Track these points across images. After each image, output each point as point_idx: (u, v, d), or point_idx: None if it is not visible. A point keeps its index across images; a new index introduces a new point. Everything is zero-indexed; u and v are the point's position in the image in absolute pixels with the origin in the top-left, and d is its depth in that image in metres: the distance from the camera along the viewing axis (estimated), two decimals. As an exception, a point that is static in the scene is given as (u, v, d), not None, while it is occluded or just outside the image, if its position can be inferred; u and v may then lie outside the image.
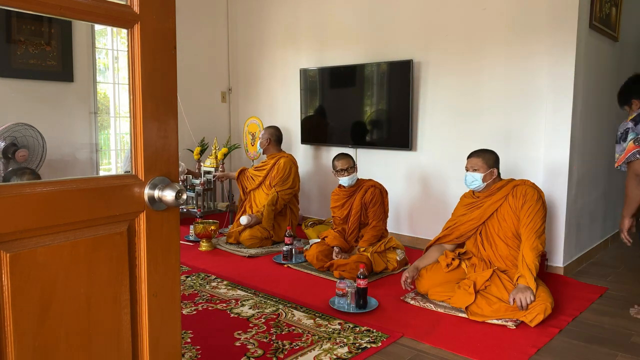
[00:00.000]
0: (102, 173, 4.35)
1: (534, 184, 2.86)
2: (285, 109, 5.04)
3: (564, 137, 3.35)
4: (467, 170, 2.92)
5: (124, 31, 1.02)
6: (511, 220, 2.79)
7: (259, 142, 4.35)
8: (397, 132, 4.13)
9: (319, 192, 4.87)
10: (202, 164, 4.92)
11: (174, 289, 1.14)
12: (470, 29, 3.73)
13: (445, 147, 3.95)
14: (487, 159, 2.87)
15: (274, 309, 2.73)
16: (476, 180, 2.87)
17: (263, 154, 4.39)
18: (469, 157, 2.95)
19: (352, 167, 3.48)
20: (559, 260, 3.45)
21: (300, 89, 4.75)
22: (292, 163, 4.23)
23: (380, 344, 2.32)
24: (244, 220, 4.00)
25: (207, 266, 3.51)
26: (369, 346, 2.29)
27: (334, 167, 3.50)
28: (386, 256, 3.39)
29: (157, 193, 1.06)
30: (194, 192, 4.78)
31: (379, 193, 3.50)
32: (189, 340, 2.35)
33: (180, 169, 4.52)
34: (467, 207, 2.98)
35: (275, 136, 4.32)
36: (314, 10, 4.68)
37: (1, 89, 3.74)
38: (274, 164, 4.22)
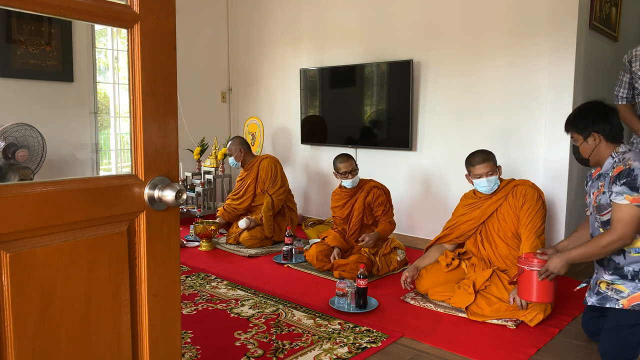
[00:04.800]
0: (102, 173, 4.35)
1: (534, 184, 2.86)
2: (285, 109, 5.04)
3: (564, 137, 3.34)
4: (480, 177, 2.80)
5: (124, 31, 1.02)
6: (511, 220, 2.79)
7: (232, 157, 4.18)
8: (397, 132, 4.13)
9: (318, 192, 4.87)
10: (202, 163, 4.92)
11: (174, 289, 1.14)
12: (470, 29, 3.73)
13: (445, 147, 3.95)
14: (493, 159, 2.85)
15: (274, 309, 2.73)
16: (495, 183, 2.83)
17: (241, 166, 4.24)
18: (476, 163, 2.81)
19: (355, 169, 3.47)
20: (559, 260, 3.45)
21: (300, 89, 4.75)
22: (276, 162, 4.18)
23: (380, 344, 2.32)
24: (242, 224, 3.98)
25: (207, 266, 3.51)
26: (369, 346, 2.29)
27: (337, 169, 3.48)
28: (390, 257, 3.39)
29: (157, 193, 1.06)
30: (194, 192, 4.78)
31: (383, 193, 3.49)
32: (189, 340, 2.35)
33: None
34: (468, 207, 2.98)
35: (245, 144, 4.24)
36: (314, 10, 4.68)
37: (1, 89, 3.74)
38: (257, 167, 4.15)
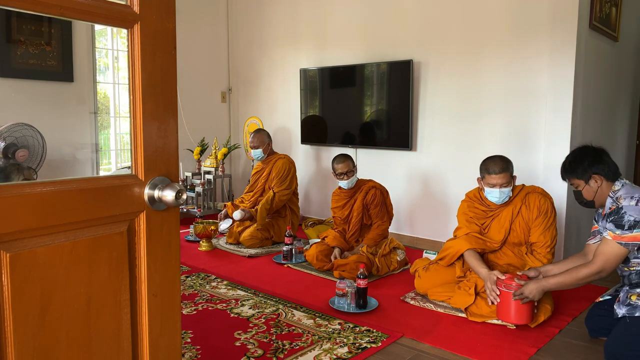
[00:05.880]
0: (102, 173, 4.35)
1: (544, 190, 2.79)
2: (285, 109, 5.04)
3: (564, 137, 3.35)
4: (493, 187, 2.69)
5: (124, 31, 1.02)
6: (522, 230, 2.73)
7: (259, 149, 4.14)
8: (397, 132, 4.13)
9: (319, 192, 4.87)
10: (202, 163, 4.92)
11: (174, 289, 1.14)
12: (470, 29, 3.73)
13: (445, 148, 3.95)
14: (511, 169, 2.72)
15: (274, 309, 2.73)
16: (507, 195, 2.72)
17: (266, 159, 4.22)
18: (492, 172, 2.67)
19: (351, 170, 3.45)
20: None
21: (300, 89, 4.75)
22: (291, 163, 4.17)
23: (380, 344, 2.32)
24: (237, 215, 3.98)
25: (207, 266, 3.51)
26: (369, 346, 2.29)
27: (333, 169, 3.48)
28: (389, 257, 3.39)
29: (157, 193, 1.06)
30: (194, 192, 4.78)
31: (380, 194, 3.49)
32: (189, 340, 2.35)
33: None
34: (476, 212, 2.86)
35: (270, 138, 4.26)
36: (314, 10, 4.68)
37: (1, 89, 3.74)
38: (272, 165, 4.16)
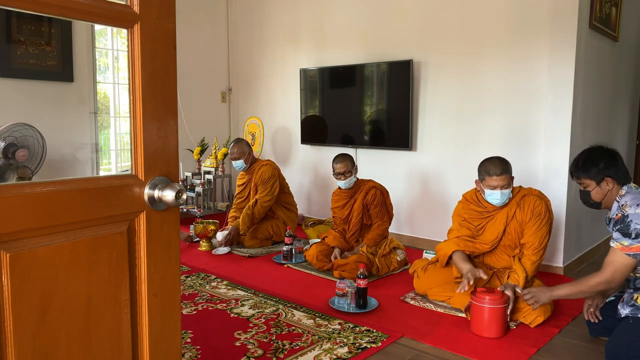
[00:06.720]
0: (102, 173, 4.35)
1: (540, 193, 2.76)
2: (285, 109, 5.04)
3: (564, 137, 3.35)
4: (494, 189, 2.66)
5: (124, 31, 1.02)
6: (516, 232, 2.72)
7: (240, 160, 4.06)
8: (397, 132, 4.13)
9: (319, 192, 4.87)
10: (202, 163, 4.92)
11: (174, 289, 1.14)
12: (471, 28, 3.73)
13: (445, 148, 3.95)
14: (511, 170, 2.69)
15: (274, 309, 2.73)
16: (508, 196, 2.69)
17: (249, 168, 4.15)
18: (494, 174, 2.64)
19: (349, 171, 3.44)
20: (559, 260, 3.45)
21: (300, 89, 4.75)
22: (274, 168, 4.10)
23: (380, 344, 2.32)
24: (219, 236, 3.93)
25: (207, 266, 3.51)
26: (369, 346, 2.29)
27: (333, 169, 3.49)
28: (389, 257, 3.39)
29: (157, 193, 1.06)
30: (194, 192, 4.78)
31: (380, 194, 3.49)
32: (189, 340, 2.35)
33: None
34: (471, 214, 2.85)
35: (250, 146, 4.19)
36: (314, 10, 4.69)
37: (1, 89, 3.74)
38: (255, 174, 4.09)
